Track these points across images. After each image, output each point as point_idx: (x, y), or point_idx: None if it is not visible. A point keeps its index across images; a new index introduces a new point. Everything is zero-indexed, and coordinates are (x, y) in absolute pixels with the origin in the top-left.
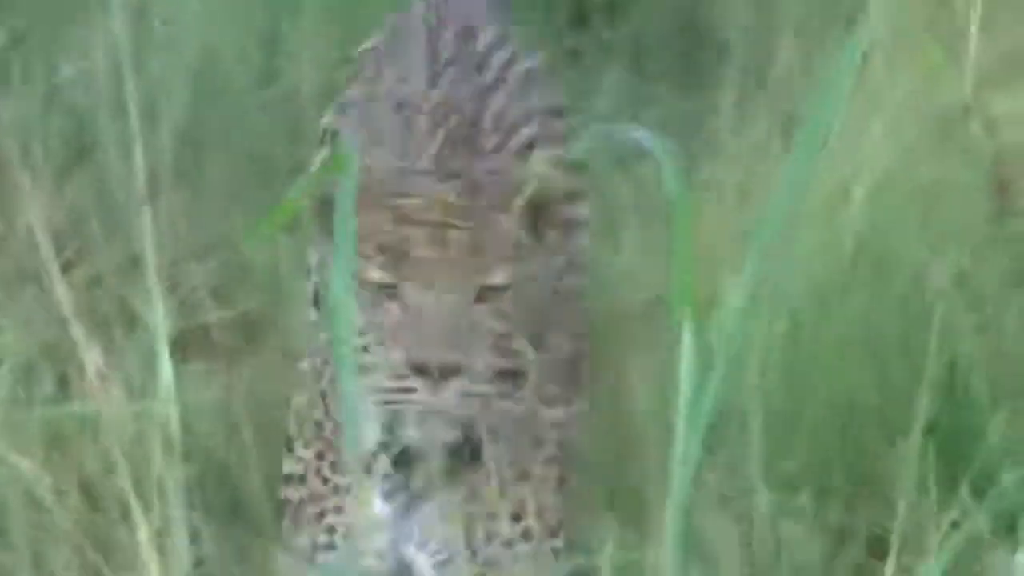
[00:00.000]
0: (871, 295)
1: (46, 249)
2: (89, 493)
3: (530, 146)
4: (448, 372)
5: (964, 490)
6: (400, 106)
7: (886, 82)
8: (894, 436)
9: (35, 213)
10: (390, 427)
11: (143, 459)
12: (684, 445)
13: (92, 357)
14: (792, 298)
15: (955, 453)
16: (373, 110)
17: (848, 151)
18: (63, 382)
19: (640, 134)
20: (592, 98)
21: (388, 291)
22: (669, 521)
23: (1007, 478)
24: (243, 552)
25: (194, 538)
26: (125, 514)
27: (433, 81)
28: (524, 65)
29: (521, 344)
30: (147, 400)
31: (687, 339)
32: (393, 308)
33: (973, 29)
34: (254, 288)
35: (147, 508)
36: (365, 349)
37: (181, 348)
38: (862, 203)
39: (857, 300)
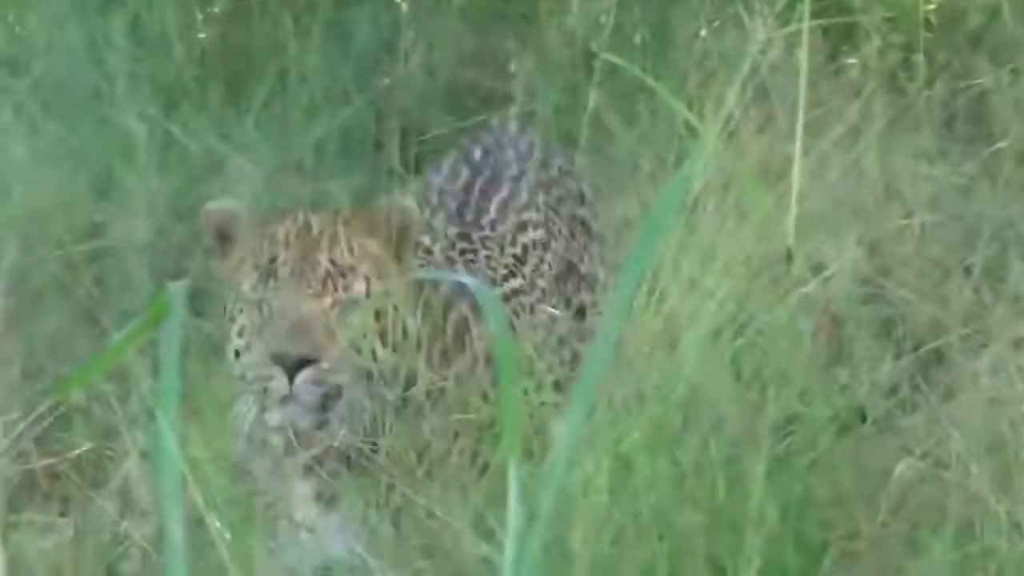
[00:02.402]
0: (703, 439)
1: None
2: None
3: None
4: (301, 363)
5: None
6: None
7: (719, 229)
8: None
9: None
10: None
11: None
12: None
13: None
14: (621, 441)
15: None
16: None
17: (680, 297)
18: None
19: (467, 278)
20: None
21: (260, 303)
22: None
23: None
24: None
25: None
26: None
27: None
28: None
29: (374, 345)
30: None
31: (513, 482)
32: (262, 312)
33: (796, 175)
34: (83, 435)
35: None
36: (245, 348)
37: (11, 496)
38: (695, 347)
39: (689, 442)
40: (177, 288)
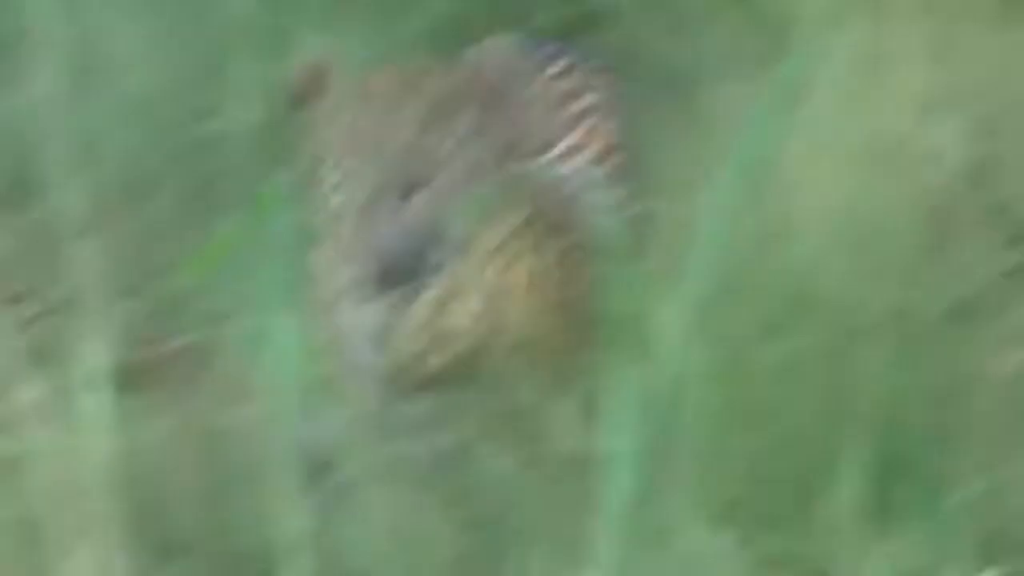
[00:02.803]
0: (811, 328)
1: None
2: (25, 530)
3: None
4: (411, 187)
5: (901, 523)
6: None
7: (826, 120)
8: (832, 468)
9: None
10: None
11: (80, 496)
12: (616, 481)
13: (29, 392)
14: (730, 331)
15: (893, 485)
16: None
17: (788, 190)
18: (0, 418)
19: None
20: None
21: (353, 134)
22: (603, 555)
23: (945, 509)
24: None
25: (135, 572)
26: (64, 552)
27: None
28: None
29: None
30: (87, 436)
31: (622, 374)
32: (359, 143)
33: (914, 60)
34: (194, 322)
35: (83, 545)
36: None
37: (122, 382)
38: (801, 236)
39: (797, 332)
40: (287, 175)
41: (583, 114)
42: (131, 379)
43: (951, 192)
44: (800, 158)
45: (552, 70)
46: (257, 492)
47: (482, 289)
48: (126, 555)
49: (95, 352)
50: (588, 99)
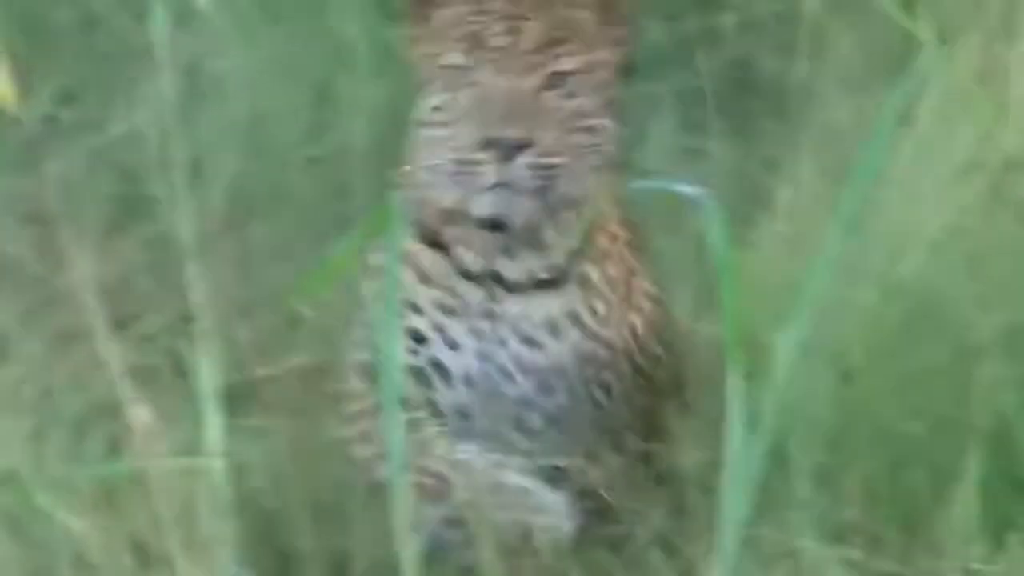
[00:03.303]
0: (922, 350)
1: (94, 307)
2: (139, 551)
3: None
4: (517, 146)
5: (1013, 542)
6: None
7: (939, 137)
8: (944, 488)
9: (84, 271)
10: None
11: (193, 516)
12: (732, 502)
13: (142, 414)
14: (844, 352)
15: (1004, 505)
16: None
17: (902, 207)
18: (113, 440)
19: (688, 188)
20: (639, 152)
21: (464, 76)
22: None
23: None
24: None
25: None
26: (175, 573)
27: None
28: None
29: (593, 123)
30: (196, 456)
31: (735, 393)
32: (468, 91)
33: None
34: (304, 344)
35: (196, 566)
36: (442, 125)
37: (231, 404)
38: (915, 258)
39: (908, 354)
40: (398, 196)
41: None
42: (245, 400)
43: None
44: (913, 175)
45: None
46: (374, 510)
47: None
48: (237, 575)
49: (210, 373)
50: None
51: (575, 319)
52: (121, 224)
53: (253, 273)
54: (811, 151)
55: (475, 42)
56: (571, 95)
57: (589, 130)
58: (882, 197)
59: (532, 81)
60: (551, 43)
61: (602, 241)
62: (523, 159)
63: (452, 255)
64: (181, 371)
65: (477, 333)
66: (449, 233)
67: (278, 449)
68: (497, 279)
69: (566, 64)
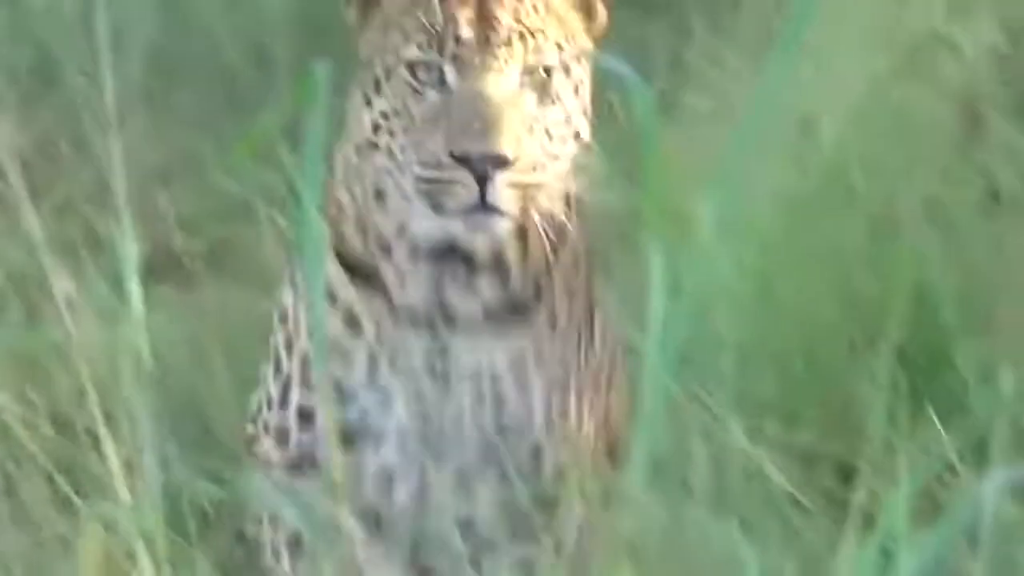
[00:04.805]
0: (840, 221)
1: (14, 177)
2: (59, 421)
3: None
4: (495, 163)
5: (933, 416)
6: None
7: (858, 11)
8: (863, 362)
9: (2, 141)
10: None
11: (113, 386)
12: (654, 371)
13: (61, 284)
14: (763, 223)
15: (924, 379)
16: None
17: (819, 78)
18: (32, 310)
19: (609, 61)
20: None
21: (428, 74)
22: (639, 447)
23: (975, 403)
24: (214, 478)
25: (165, 465)
26: (96, 442)
27: None
28: None
29: (578, 126)
30: (117, 326)
31: (657, 265)
32: (432, 93)
33: None
34: (223, 215)
35: (117, 435)
36: (395, 133)
37: (150, 273)
38: (832, 129)
39: (826, 226)
40: (322, 67)
41: None
42: (163, 271)
43: (980, 87)
44: (830, 51)
45: None
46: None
47: None
48: (157, 443)
49: (129, 244)
50: None
51: (539, 359)
52: (40, 95)
53: (173, 143)
54: (731, 24)
55: (437, 33)
56: (552, 96)
57: (569, 138)
58: (801, 71)
59: (508, 81)
60: (526, 34)
61: (569, 269)
62: (502, 178)
63: (390, 292)
64: (99, 241)
65: (418, 389)
66: (389, 266)
67: (199, 321)
68: (447, 318)
69: (545, 59)
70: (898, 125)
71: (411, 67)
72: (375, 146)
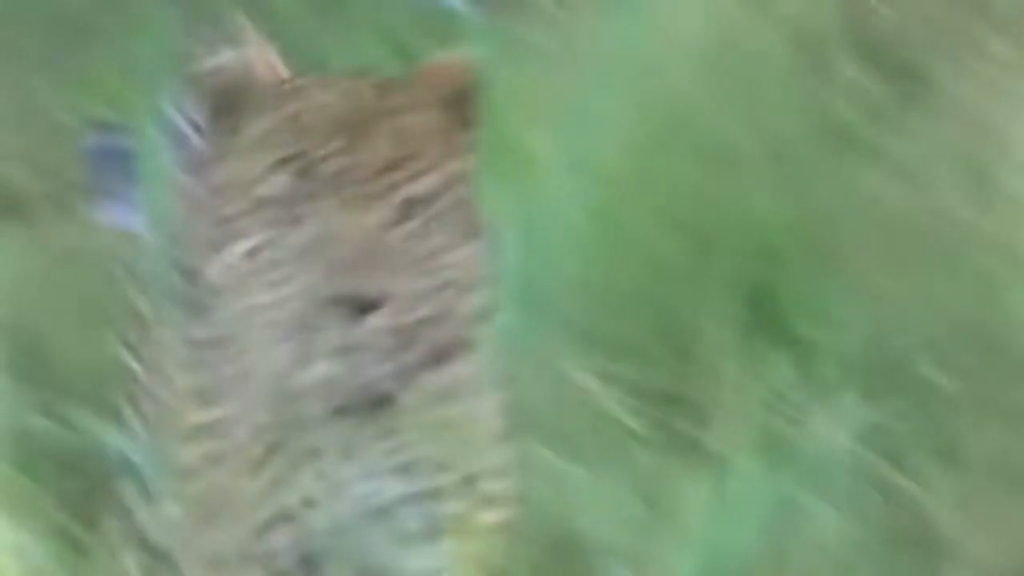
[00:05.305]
0: (684, 161)
1: None
2: None
3: None
4: (367, 304)
5: (779, 354)
6: None
7: None
8: (709, 300)
9: None
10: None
11: None
12: (501, 309)
13: None
14: (608, 164)
15: (770, 317)
16: None
17: (666, 21)
18: None
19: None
20: None
21: (290, 210)
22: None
23: (821, 342)
24: (61, 421)
25: (12, 409)
26: None
27: None
28: None
29: (457, 257)
30: None
31: (502, 204)
32: (301, 229)
33: None
34: (69, 156)
35: None
36: (265, 273)
37: None
38: (677, 69)
39: (671, 166)
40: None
41: None
42: (5, 210)
43: (822, 26)
44: None
45: None
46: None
47: None
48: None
49: None
50: None
51: None
52: None
53: (15, 82)
54: None
55: (302, 165)
56: (428, 226)
57: (452, 267)
58: (645, 12)
59: (379, 215)
60: (397, 162)
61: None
62: (376, 320)
63: None
64: None
65: None
66: None
67: (41, 260)
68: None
69: (418, 187)
70: (740, 64)
71: (276, 201)
72: (237, 285)
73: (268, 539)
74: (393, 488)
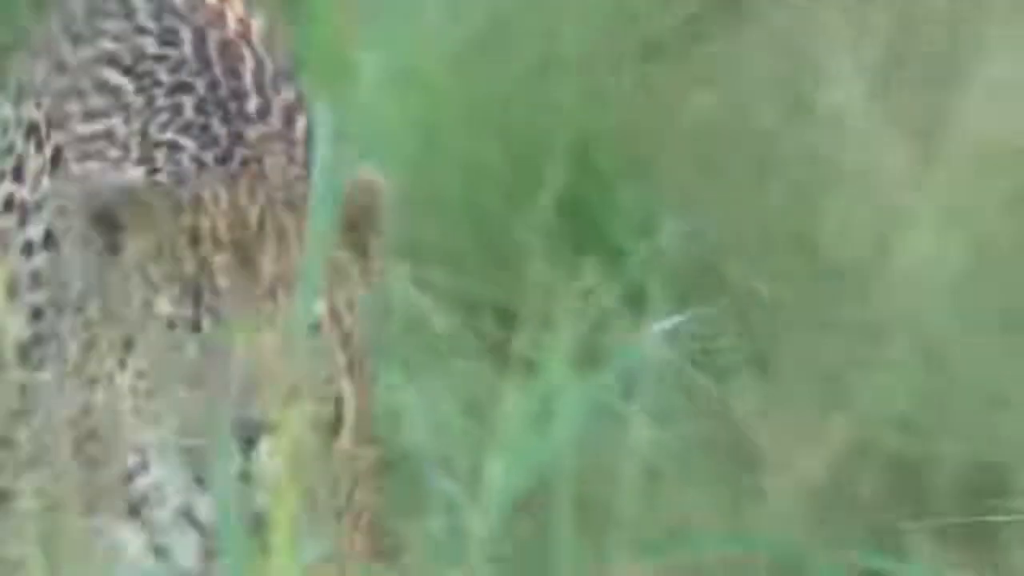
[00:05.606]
0: (502, 70)
1: None
2: None
3: (292, 109)
4: (258, 432)
5: (593, 262)
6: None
7: None
8: (525, 210)
9: None
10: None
11: None
12: (316, 217)
13: None
14: (426, 73)
15: (585, 225)
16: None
17: None
18: None
19: None
20: None
21: (182, 331)
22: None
23: (636, 250)
24: None
25: None
26: None
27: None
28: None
29: (343, 386)
30: None
31: (322, 114)
32: (190, 350)
33: None
34: None
35: None
36: (154, 393)
37: None
38: None
39: (489, 75)
40: None
41: None
42: None
43: None
44: None
45: None
46: None
47: None
48: None
49: None
50: None
51: None
52: None
53: None
54: None
55: (192, 284)
56: (320, 351)
57: (337, 400)
58: None
59: (271, 337)
60: (289, 282)
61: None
62: (267, 445)
63: None
64: None
65: None
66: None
67: None
68: None
69: (313, 309)
70: None
71: (165, 322)
72: (130, 407)
73: None
74: None
